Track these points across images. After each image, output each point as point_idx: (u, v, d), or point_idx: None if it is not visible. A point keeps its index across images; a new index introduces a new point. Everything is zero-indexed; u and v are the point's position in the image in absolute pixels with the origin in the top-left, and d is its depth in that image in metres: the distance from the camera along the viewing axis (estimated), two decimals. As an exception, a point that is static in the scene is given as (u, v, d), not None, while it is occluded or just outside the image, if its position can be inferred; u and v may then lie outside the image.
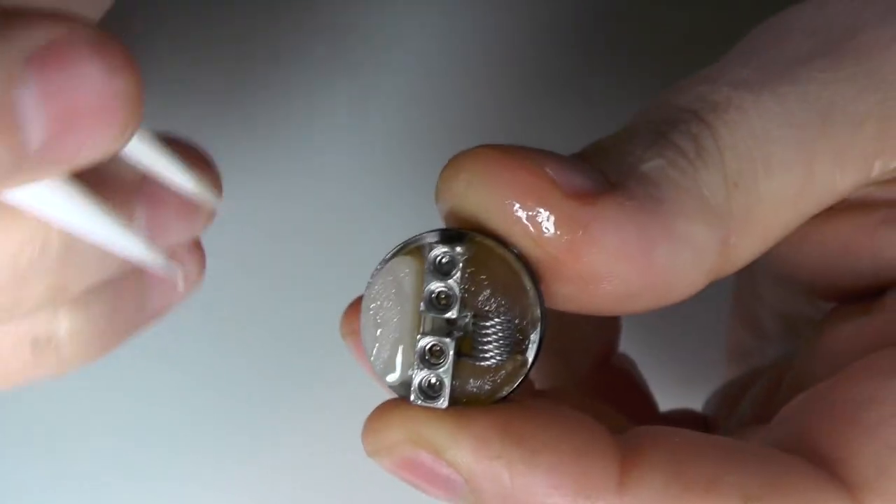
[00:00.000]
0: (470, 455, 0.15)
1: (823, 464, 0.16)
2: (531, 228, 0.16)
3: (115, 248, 0.15)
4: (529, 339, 0.16)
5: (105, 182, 0.15)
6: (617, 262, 0.16)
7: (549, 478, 0.15)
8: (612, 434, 0.16)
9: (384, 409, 0.16)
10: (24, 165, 0.12)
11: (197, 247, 0.18)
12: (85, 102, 0.12)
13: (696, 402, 0.25)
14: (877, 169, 0.18)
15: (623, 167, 0.17)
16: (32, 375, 0.16)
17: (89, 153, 0.13)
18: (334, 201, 0.32)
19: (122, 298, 0.16)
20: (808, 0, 0.19)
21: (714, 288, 0.24)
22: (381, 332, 0.16)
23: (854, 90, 0.17)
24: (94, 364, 0.21)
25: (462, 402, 0.16)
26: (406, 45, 0.33)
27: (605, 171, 0.17)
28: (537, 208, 0.15)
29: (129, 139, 0.13)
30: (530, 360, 0.16)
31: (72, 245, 0.15)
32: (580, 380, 0.22)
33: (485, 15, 0.34)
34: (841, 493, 0.16)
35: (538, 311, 0.16)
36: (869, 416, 0.16)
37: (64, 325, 0.16)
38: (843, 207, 0.18)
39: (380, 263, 0.17)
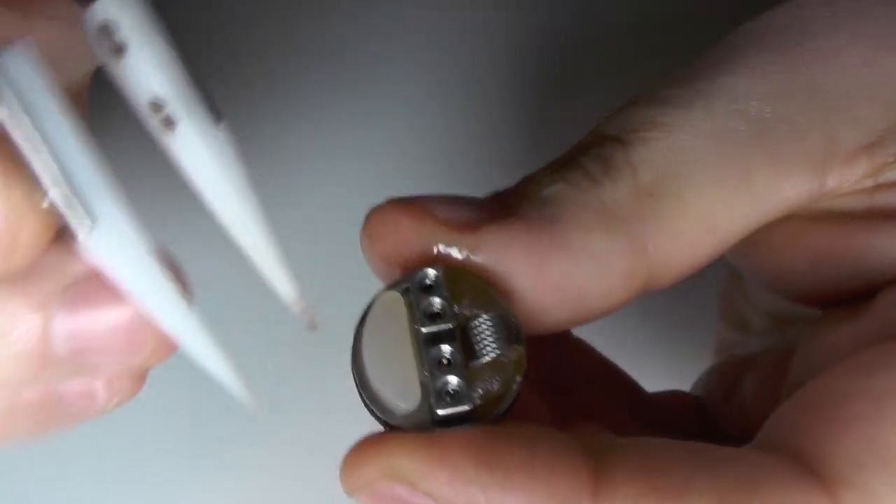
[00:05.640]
0: (445, 484, 0.16)
1: (802, 461, 0.16)
2: (451, 255, 0.17)
3: None
4: (520, 329, 0.17)
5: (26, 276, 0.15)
6: (515, 279, 0.17)
7: (524, 498, 0.15)
8: (583, 447, 0.16)
9: (359, 446, 0.16)
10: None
11: (136, 378, 0.17)
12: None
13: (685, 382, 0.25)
14: (833, 180, 0.18)
15: (522, 194, 0.18)
16: None
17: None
18: (335, 204, 0.32)
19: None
20: (780, 6, 0.19)
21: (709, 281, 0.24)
22: (386, 363, 0.16)
23: (797, 103, 0.18)
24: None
25: (480, 404, 0.16)
26: (407, 46, 0.33)
27: (506, 201, 0.18)
28: (440, 244, 0.17)
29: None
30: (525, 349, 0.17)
31: None
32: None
33: (486, 16, 0.34)
34: (816, 490, 0.16)
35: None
36: (847, 412, 0.16)
37: None
38: (824, 217, 0.19)
39: (367, 307, 0.17)
